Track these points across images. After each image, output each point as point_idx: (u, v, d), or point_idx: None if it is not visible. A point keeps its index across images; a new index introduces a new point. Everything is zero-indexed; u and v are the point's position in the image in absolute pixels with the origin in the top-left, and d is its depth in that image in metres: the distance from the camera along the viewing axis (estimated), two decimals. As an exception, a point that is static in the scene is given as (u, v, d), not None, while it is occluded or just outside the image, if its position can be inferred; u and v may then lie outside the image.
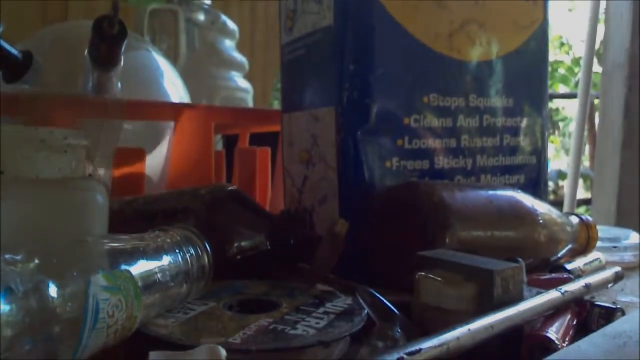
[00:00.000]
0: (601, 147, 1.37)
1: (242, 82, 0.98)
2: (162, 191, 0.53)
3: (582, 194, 2.33)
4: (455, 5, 0.47)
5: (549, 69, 0.70)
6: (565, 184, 1.65)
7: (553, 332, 0.30)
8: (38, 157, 0.29)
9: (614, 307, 0.34)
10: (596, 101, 1.85)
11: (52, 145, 0.30)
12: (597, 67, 1.62)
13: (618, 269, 0.41)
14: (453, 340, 0.26)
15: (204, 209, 0.41)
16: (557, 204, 1.43)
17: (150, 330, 0.26)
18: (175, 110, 0.56)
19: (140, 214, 0.42)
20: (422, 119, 0.46)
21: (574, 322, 0.33)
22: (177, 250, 0.30)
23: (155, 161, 0.57)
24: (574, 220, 0.48)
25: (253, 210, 0.43)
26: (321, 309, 0.30)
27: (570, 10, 3.42)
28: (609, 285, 0.40)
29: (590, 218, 0.49)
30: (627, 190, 1.26)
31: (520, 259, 0.33)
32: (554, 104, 3.26)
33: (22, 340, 0.19)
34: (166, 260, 0.28)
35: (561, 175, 2.71)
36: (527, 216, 0.44)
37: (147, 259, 0.27)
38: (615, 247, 0.54)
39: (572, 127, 1.70)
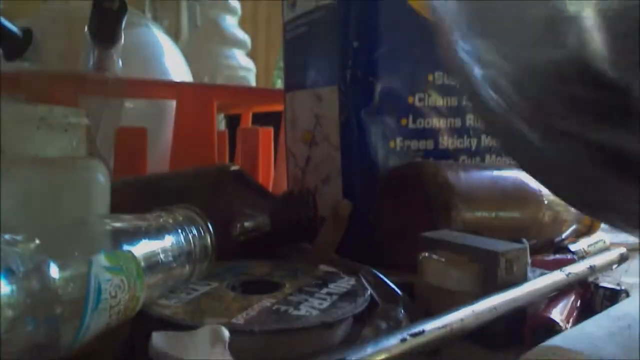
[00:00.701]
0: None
1: (245, 60, 0.97)
2: (165, 171, 0.52)
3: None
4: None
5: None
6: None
7: (557, 314, 0.30)
8: (38, 136, 0.29)
9: (619, 288, 0.34)
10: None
11: (52, 123, 0.29)
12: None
13: (623, 250, 0.41)
14: (457, 321, 0.26)
15: (207, 189, 0.40)
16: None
17: (153, 311, 0.26)
18: (176, 88, 0.56)
19: (142, 194, 0.42)
20: (427, 97, 0.45)
21: (578, 304, 0.33)
22: (179, 231, 0.29)
23: (157, 141, 0.57)
24: (579, 201, 0.48)
25: (256, 191, 0.43)
26: (324, 290, 0.30)
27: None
28: (614, 266, 0.39)
29: (595, 199, 0.49)
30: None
31: (524, 240, 0.32)
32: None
33: (23, 321, 0.19)
34: (168, 240, 0.28)
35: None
36: (531, 197, 0.44)
37: (149, 239, 0.27)
38: (619, 228, 0.53)
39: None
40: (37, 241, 0.20)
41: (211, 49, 0.91)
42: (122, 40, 0.52)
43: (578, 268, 0.35)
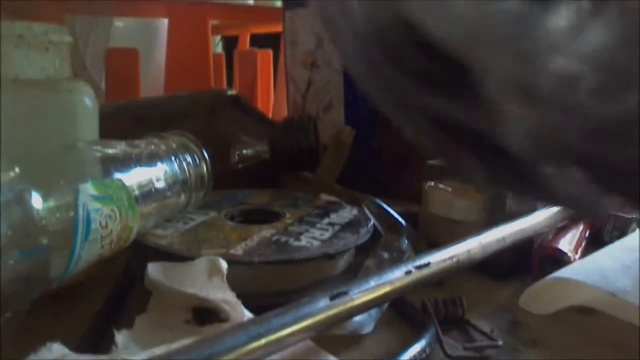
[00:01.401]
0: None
1: (241, -23, 0.91)
2: (158, 95, 0.50)
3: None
4: None
5: None
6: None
7: (565, 244, 0.29)
8: (17, 55, 0.26)
9: (629, 217, 0.33)
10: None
11: (31, 41, 0.27)
12: None
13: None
14: (463, 252, 0.25)
15: (203, 115, 0.39)
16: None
17: (149, 241, 0.25)
18: (168, 6, 0.52)
19: (135, 119, 0.40)
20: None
21: (587, 234, 0.32)
22: (173, 158, 0.28)
23: (150, 63, 0.54)
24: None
25: (255, 117, 0.41)
26: (326, 220, 0.29)
27: None
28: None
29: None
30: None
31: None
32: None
33: (8, 253, 0.18)
34: (161, 168, 0.27)
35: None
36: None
37: (141, 167, 0.25)
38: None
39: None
40: (17, 170, 0.19)
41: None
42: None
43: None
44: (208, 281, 0.22)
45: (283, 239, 0.26)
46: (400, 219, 0.31)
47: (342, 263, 0.27)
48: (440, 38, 0.13)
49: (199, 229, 0.27)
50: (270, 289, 0.25)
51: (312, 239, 0.26)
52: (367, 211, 0.31)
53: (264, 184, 0.36)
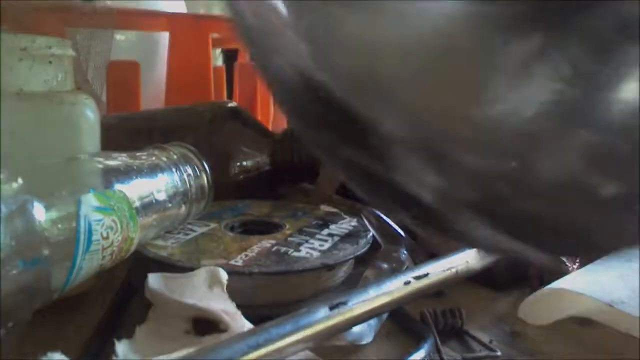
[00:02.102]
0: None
1: (242, -9, 0.92)
2: (160, 108, 0.50)
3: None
4: None
5: None
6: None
7: (563, 256, 0.29)
8: (21, 68, 0.27)
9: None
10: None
11: (35, 54, 0.27)
12: None
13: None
14: (462, 263, 0.25)
15: (204, 127, 0.39)
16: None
17: (149, 252, 0.25)
18: (169, 19, 0.52)
19: (136, 131, 0.40)
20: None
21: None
22: (174, 170, 0.28)
23: (151, 76, 0.55)
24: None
25: (255, 129, 0.41)
26: (325, 231, 0.29)
27: None
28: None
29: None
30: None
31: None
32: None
33: (11, 263, 0.18)
34: (162, 179, 0.27)
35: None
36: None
37: (142, 179, 0.26)
38: None
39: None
40: (20, 180, 0.19)
41: (206, -22, 0.86)
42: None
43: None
44: (208, 292, 0.22)
45: (283, 249, 0.26)
46: (399, 229, 0.31)
47: (341, 274, 0.27)
48: (329, 89, 0.13)
49: (200, 240, 0.27)
50: (270, 299, 0.25)
51: (311, 249, 0.26)
52: (366, 222, 0.31)
53: (264, 195, 0.37)
